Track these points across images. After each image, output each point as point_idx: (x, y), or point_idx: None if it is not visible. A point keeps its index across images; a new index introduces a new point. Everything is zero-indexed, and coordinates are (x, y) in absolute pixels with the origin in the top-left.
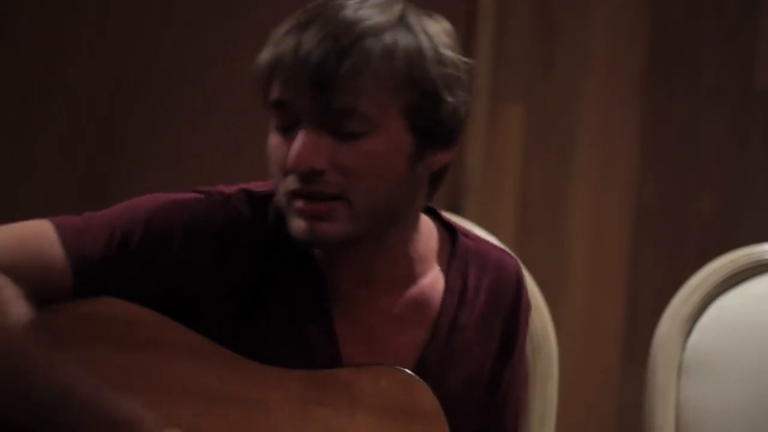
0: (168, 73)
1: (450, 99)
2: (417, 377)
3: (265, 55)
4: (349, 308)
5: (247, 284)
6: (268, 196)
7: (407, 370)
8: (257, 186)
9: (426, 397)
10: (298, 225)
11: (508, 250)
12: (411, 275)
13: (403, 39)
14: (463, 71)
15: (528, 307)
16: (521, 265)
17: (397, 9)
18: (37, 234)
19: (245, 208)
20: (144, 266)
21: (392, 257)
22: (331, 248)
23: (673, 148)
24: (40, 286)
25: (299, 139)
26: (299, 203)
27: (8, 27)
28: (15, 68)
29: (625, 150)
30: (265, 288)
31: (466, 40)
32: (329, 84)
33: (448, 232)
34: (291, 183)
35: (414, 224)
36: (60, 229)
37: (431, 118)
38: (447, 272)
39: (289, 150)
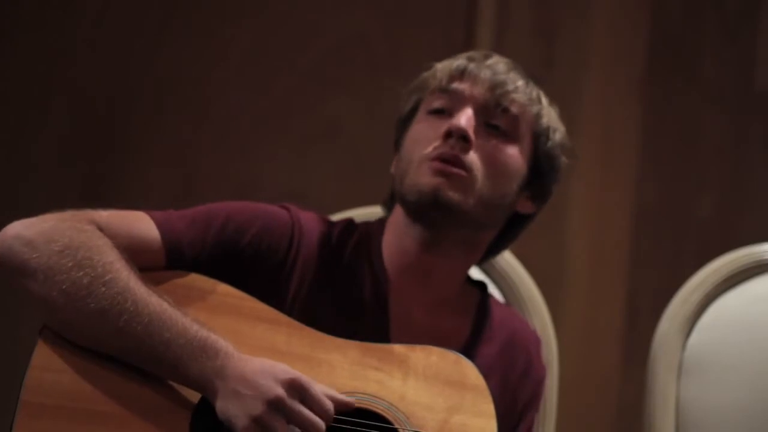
0: (168, 73)
1: (561, 161)
2: (465, 357)
3: (449, 65)
4: (403, 317)
5: (312, 275)
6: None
7: (455, 352)
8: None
9: (473, 374)
10: (428, 181)
11: (532, 325)
12: (452, 302)
13: (550, 104)
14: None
15: (539, 381)
16: (542, 344)
17: None
18: (134, 214)
19: (315, 220)
20: (229, 251)
21: (449, 281)
22: (440, 215)
23: (673, 148)
24: (133, 252)
25: (466, 113)
26: (438, 164)
27: (8, 27)
28: (15, 68)
29: (625, 150)
30: (331, 282)
31: (466, 41)
32: (506, 86)
33: (478, 284)
34: (439, 147)
35: (474, 257)
36: (151, 214)
37: (544, 163)
38: (477, 310)
39: (447, 125)
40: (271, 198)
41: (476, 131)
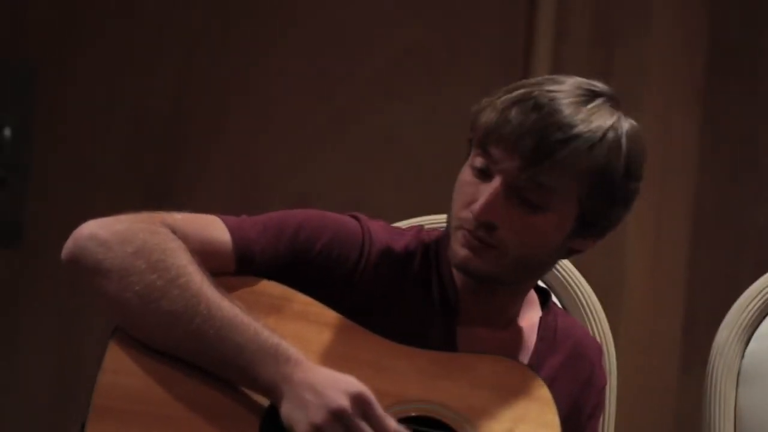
0: (229, 81)
1: (623, 209)
2: (530, 368)
3: (490, 115)
4: (470, 330)
5: (381, 284)
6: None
7: (521, 362)
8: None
9: (539, 386)
10: (457, 251)
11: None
12: (517, 317)
13: (608, 150)
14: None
15: (601, 389)
16: (603, 352)
17: (610, 121)
18: (207, 218)
19: (384, 229)
20: (300, 259)
21: (512, 300)
22: (476, 280)
23: (732, 157)
24: (204, 255)
25: (491, 193)
26: (465, 235)
27: (73, 32)
28: (80, 73)
29: (684, 159)
30: (400, 290)
31: (524, 51)
32: (540, 163)
33: (540, 291)
34: (466, 220)
35: (532, 285)
36: (224, 218)
37: (601, 217)
38: (541, 320)
39: (480, 196)
40: (329, 206)
41: (505, 205)
